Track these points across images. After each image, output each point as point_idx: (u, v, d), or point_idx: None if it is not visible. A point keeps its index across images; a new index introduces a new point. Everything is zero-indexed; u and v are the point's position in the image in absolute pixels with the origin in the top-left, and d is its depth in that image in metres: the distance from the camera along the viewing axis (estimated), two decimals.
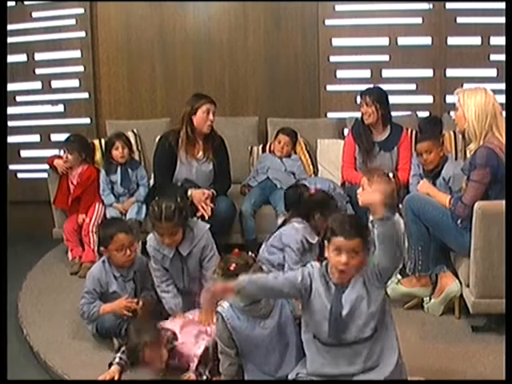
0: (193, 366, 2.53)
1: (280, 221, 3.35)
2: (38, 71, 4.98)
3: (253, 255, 2.56)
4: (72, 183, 4.11)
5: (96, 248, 3.88)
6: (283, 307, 2.43)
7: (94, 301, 2.89)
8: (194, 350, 2.55)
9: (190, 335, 2.65)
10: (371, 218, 3.40)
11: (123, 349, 2.61)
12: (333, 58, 4.78)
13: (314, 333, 2.23)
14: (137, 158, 4.39)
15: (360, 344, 2.16)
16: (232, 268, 2.41)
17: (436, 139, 3.72)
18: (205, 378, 2.50)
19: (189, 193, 3.63)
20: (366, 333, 2.16)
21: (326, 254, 2.21)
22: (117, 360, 2.59)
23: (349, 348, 2.17)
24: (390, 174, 3.72)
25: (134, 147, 4.37)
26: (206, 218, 3.50)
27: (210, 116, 3.77)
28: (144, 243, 3.30)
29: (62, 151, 4.14)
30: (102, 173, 4.13)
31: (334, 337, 2.17)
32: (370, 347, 2.17)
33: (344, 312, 2.15)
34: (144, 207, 4.00)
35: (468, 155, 2.95)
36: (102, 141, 4.50)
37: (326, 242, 2.22)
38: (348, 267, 2.14)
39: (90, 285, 2.92)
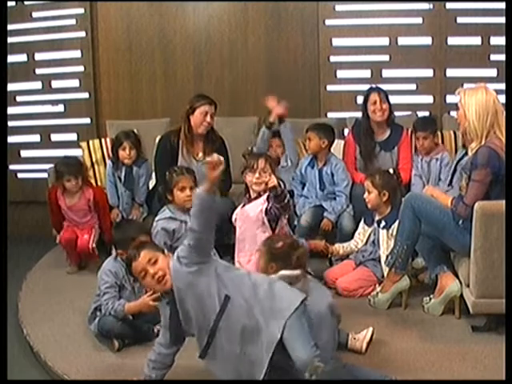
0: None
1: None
2: (38, 71, 4.99)
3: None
4: (65, 207, 3.95)
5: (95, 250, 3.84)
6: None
7: (117, 294, 2.87)
8: None
9: None
10: (377, 217, 3.44)
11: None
12: (333, 58, 4.79)
13: None
14: None
15: None
16: (279, 246, 2.53)
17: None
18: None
19: None
20: None
21: None
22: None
23: None
24: (391, 170, 3.73)
25: None
26: None
27: (208, 118, 3.77)
28: None
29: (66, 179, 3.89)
30: (108, 169, 4.11)
31: None
32: None
33: None
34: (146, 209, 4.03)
35: (470, 154, 2.94)
36: (103, 141, 4.51)
37: None
38: None
39: (109, 279, 2.89)
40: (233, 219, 3.14)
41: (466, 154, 3.40)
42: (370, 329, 2.75)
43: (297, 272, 2.47)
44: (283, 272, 2.47)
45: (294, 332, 2.19)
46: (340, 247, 3.56)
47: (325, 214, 3.81)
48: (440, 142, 4.25)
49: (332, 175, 3.88)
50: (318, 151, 3.92)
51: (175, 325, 2.32)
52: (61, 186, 3.92)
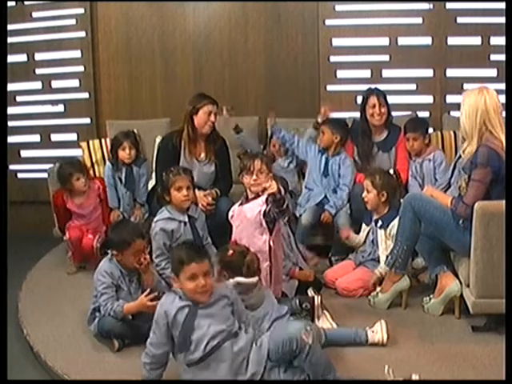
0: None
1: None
2: (38, 71, 4.99)
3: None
4: (75, 207, 3.94)
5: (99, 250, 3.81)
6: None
7: (115, 295, 2.86)
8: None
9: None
10: (375, 217, 3.45)
11: None
12: (333, 58, 4.78)
13: None
14: None
15: None
16: (229, 254, 2.71)
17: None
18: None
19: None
20: None
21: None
22: None
23: None
24: (391, 171, 3.74)
25: None
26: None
27: (212, 117, 3.78)
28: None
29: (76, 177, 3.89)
30: (107, 171, 4.12)
31: None
32: None
33: None
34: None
35: (463, 155, 2.95)
36: (103, 141, 4.51)
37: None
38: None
39: (106, 280, 2.87)
40: (229, 216, 3.13)
41: None
42: (382, 321, 2.80)
43: (251, 280, 2.67)
44: (239, 279, 2.64)
45: (279, 326, 2.42)
46: (355, 236, 3.60)
47: (326, 206, 3.86)
48: (440, 142, 4.26)
49: (338, 167, 3.93)
50: (330, 145, 3.96)
51: (191, 327, 2.32)
52: (67, 189, 3.91)
